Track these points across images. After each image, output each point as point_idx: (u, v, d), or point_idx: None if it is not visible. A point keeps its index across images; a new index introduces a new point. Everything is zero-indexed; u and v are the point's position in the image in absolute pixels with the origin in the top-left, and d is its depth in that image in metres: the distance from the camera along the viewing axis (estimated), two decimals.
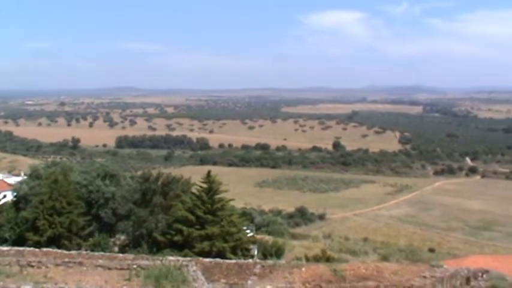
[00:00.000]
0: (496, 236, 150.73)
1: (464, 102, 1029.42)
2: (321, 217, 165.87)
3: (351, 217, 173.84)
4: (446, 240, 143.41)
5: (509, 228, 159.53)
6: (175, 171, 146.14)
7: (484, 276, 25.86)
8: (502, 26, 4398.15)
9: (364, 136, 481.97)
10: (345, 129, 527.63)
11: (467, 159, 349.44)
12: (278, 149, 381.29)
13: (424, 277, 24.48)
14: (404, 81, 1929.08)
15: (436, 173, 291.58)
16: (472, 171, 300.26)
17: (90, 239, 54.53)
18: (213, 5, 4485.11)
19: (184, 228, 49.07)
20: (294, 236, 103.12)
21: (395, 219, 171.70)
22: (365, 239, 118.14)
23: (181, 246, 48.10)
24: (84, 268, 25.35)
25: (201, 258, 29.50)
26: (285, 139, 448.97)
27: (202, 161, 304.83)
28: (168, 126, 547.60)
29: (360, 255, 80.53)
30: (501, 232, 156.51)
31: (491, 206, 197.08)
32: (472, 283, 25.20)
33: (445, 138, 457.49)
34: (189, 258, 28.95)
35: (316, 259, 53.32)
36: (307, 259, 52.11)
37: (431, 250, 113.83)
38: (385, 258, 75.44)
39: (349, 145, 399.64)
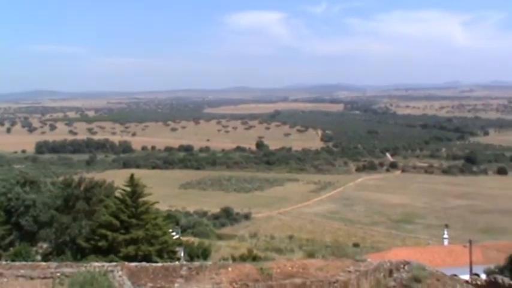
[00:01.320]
0: (416, 229, 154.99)
1: (383, 99, 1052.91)
2: (247, 217, 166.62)
3: (276, 216, 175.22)
4: (370, 234, 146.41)
5: (428, 221, 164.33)
6: (98, 175, 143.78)
7: (406, 267, 26.54)
8: (417, 25, 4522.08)
9: (287, 135, 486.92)
10: (267, 128, 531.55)
11: (388, 155, 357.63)
12: (202, 150, 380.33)
13: (349, 272, 24.94)
14: (325, 79, 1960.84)
15: (358, 170, 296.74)
16: (393, 166, 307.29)
17: (11, 249, 52.97)
18: (133, 6, 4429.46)
19: (108, 233, 48.33)
20: (220, 237, 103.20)
21: (320, 216, 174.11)
22: (290, 237, 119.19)
23: (106, 252, 47.36)
24: (5, 279, 24.60)
25: (126, 263, 29.14)
26: (208, 140, 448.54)
27: (125, 165, 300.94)
28: (90, 130, 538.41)
29: (286, 253, 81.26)
30: (421, 224, 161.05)
31: (411, 200, 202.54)
32: (395, 275, 25.82)
33: (365, 135, 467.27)
34: (114, 264, 28.55)
35: (243, 259, 53.55)
36: (234, 259, 52.33)
37: (356, 245, 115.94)
38: (310, 255, 76.38)
39: (272, 144, 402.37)
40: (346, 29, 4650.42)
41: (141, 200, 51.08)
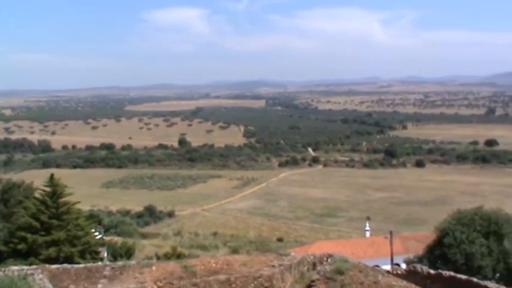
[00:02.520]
0: (339, 222, 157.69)
1: (304, 95, 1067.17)
2: (170, 214, 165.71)
3: (200, 212, 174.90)
4: (294, 229, 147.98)
5: (351, 214, 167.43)
6: (16, 176, 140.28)
7: (329, 260, 26.91)
8: (338, 22, 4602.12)
9: (209, 131, 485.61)
10: (190, 125, 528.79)
11: (310, 150, 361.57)
12: (123, 148, 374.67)
13: (273, 266, 25.10)
14: (248, 76, 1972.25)
15: (281, 165, 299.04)
16: (315, 161, 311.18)
17: None
18: (53, 2, 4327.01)
19: (28, 235, 46.98)
20: (143, 236, 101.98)
21: (244, 212, 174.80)
22: (215, 234, 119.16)
23: (26, 255, 46.04)
24: None
25: (47, 265, 28.40)
26: (130, 138, 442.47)
27: (45, 164, 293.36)
28: (7, 130, 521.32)
29: (210, 250, 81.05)
30: (344, 217, 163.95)
31: (333, 194, 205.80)
32: (318, 268, 26.13)
33: (288, 130, 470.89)
34: (35, 267, 27.79)
35: (167, 257, 53.11)
36: (158, 257, 51.73)
37: (280, 239, 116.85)
38: (235, 251, 76.50)
39: (195, 141, 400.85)
40: (267, 25, 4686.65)
41: (62, 200, 49.88)
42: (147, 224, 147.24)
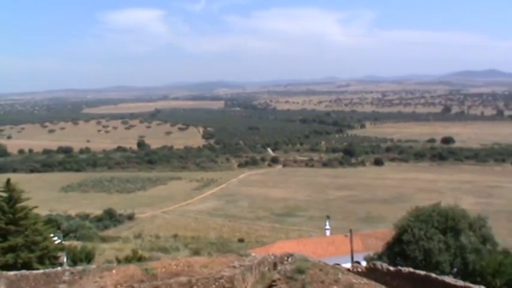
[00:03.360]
0: (299, 221, 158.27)
1: (263, 95, 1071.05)
2: (130, 217, 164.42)
3: (160, 215, 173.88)
4: (254, 229, 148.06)
5: (311, 213, 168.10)
6: None
7: (289, 259, 27.05)
8: (295, 23, 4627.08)
9: (168, 133, 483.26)
10: (148, 127, 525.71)
11: (269, 150, 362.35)
12: (82, 151, 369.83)
13: (234, 267, 25.10)
14: (206, 77, 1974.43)
15: (241, 165, 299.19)
16: (274, 161, 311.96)
17: None
18: (7, 3, 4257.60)
19: None
20: (103, 239, 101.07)
21: (204, 213, 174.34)
22: (175, 236, 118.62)
23: None
24: None
25: (5, 272, 27.94)
26: (88, 141, 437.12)
27: (1, 169, 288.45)
28: None
29: (171, 252, 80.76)
30: (304, 217, 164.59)
31: (293, 193, 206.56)
32: (279, 267, 26.25)
33: (247, 131, 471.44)
34: None
35: (128, 260, 52.69)
36: (119, 261, 51.37)
37: (241, 240, 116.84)
38: (196, 252, 76.34)
39: (154, 143, 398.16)
40: (225, 26, 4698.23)
41: (19, 205, 49.11)
42: (106, 227, 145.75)
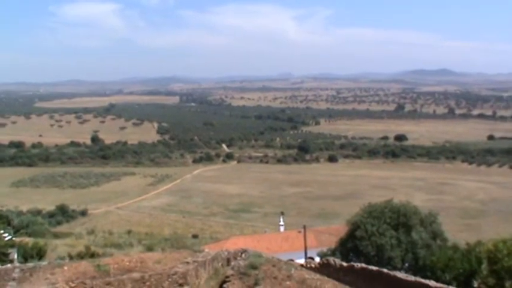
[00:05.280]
0: (254, 217, 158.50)
1: (218, 91, 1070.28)
2: (83, 213, 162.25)
3: (113, 211, 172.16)
4: (209, 225, 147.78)
5: (265, 209, 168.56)
6: None
7: (243, 255, 27.07)
8: (252, 19, 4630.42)
9: (123, 128, 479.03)
10: (102, 122, 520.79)
11: (224, 146, 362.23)
12: (34, 146, 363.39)
13: (187, 263, 25.01)
14: (161, 72, 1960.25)
15: (195, 161, 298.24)
16: (229, 157, 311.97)
17: None
18: None
19: None
20: (56, 235, 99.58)
21: (158, 209, 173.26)
22: (129, 232, 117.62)
23: None
24: None
25: None
26: (40, 135, 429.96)
27: None
28: None
29: (124, 248, 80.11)
30: (258, 213, 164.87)
31: (248, 189, 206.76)
32: (232, 263, 26.23)
33: (201, 126, 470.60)
34: None
35: (81, 256, 52.08)
36: (71, 257, 50.72)
37: (195, 236, 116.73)
38: (149, 248, 75.76)
39: (108, 138, 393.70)
40: (181, 21, 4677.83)
41: None
42: (59, 223, 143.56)
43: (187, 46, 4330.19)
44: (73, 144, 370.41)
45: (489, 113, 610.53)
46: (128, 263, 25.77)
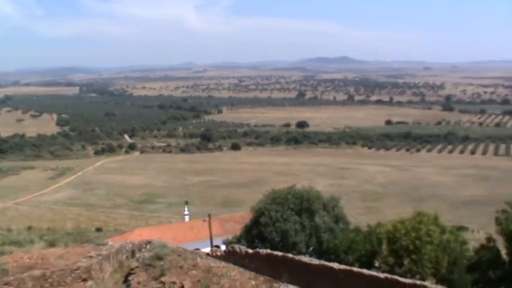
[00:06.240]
0: (158, 208, 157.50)
1: (119, 81, 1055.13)
2: None
3: (12, 206, 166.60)
4: (113, 217, 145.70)
5: (170, 199, 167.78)
6: None
7: (148, 247, 26.79)
8: (152, 7, 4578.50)
9: (20, 121, 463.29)
10: None
11: (126, 137, 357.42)
12: None
13: (91, 257, 24.49)
14: (60, 62, 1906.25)
15: (97, 153, 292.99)
16: (132, 147, 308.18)
17: None
18: None
19: None
20: None
21: (60, 203, 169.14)
22: (29, 228, 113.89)
23: None
24: None
25: None
26: None
27: None
28: None
29: (25, 245, 77.65)
30: (163, 203, 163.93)
31: (151, 180, 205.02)
32: (137, 255, 25.93)
33: (103, 117, 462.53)
34: None
35: None
36: None
37: (99, 229, 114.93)
38: (51, 244, 73.56)
39: (4, 131, 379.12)
40: (81, 9, 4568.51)
41: None
42: None
43: (88, 35, 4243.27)
44: None
45: (386, 99, 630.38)
46: (28, 260, 25.01)
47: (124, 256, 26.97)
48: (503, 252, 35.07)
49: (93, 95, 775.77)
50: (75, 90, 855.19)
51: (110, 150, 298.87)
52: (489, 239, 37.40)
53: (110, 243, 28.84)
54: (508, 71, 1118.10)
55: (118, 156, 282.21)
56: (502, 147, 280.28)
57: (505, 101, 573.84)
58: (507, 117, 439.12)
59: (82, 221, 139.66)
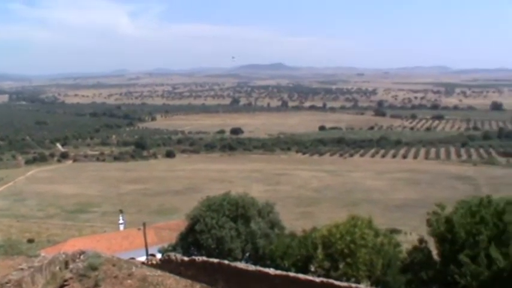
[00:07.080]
0: (92, 217, 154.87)
1: (51, 88, 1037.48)
2: None
3: None
4: (45, 228, 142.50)
5: (104, 208, 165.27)
6: None
7: (82, 257, 26.44)
8: (84, 13, 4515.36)
9: None
10: None
11: (58, 145, 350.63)
12: None
13: (22, 269, 24.00)
14: None
15: (28, 162, 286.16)
16: (64, 156, 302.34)
17: None
18: None
19: None
20: None
21: None
22: None
23: None
24: None
25: None
26: None
27: None
28: None
29: None
30: (97, 212, 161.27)
31: (85, 189, 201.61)
32: (71, 266, 25.56)
33: (34, 125, 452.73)
34: None
35: None
36: None
37: (31, 240, 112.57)
38: None
39: None
40: (8, 15, 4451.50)
41: None
42: None
43: (17, 42, 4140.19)
44: None
45: (320, 104, 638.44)
46: None
47: (57, 267, 26.52)
48: (435, 253, 35.94)
49: (24, 103, 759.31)
50: (5, 98, 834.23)
51: (42, 159, 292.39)
52: (421, 241, 38.21)
53: (43, 254, 28.24)
54: (436, 76, 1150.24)
55: (50, 166, 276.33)
56: (432, 151, 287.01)
57: (434, 106, 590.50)
58: (436, 121, 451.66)
59: (13, 232, 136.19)
